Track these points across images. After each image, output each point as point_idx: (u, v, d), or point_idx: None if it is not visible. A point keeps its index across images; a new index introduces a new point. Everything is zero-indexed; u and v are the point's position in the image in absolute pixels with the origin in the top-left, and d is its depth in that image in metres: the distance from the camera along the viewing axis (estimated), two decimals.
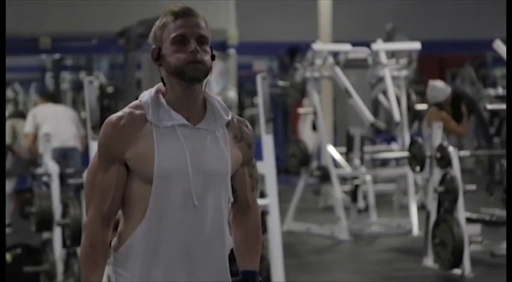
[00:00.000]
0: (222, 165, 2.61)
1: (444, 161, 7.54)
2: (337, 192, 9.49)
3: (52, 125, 9.01)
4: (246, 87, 15.41)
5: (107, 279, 2.79)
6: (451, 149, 7.60)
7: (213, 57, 2.61)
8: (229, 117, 2.66)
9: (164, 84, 2.61)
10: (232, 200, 2.69)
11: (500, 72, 14.24)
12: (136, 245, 2.59)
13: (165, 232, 2.57)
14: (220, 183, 2.62)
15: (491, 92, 12.78)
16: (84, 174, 4.73)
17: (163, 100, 2.59)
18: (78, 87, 14.36)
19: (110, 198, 2.59)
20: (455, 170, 7.42)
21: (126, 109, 2.64)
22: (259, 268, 2.86)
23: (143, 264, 2.59)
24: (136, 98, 2.68)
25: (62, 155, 8.95)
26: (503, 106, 9.82)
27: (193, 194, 2.57)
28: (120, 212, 2.69)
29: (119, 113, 2.63)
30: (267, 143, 6.42)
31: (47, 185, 6.95)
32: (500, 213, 8.55)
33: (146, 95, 2.62)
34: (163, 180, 2.55)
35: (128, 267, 2.61)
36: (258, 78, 6.74)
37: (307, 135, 10.70)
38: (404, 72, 10.13)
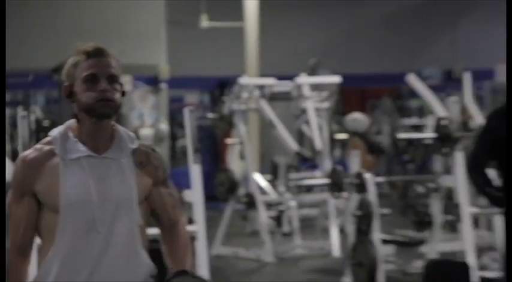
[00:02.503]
0: (127, 191, 2.61)
1: (361, 186, 7.63)
2: (263, 217, 9.53)
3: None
4: (178, 119, 15.38)
5: None
6: (367, 175, 7.76)
7: (123, 93, 2.63)
8: (135, 146, 2.67)
9: (78, 119, 2.62)
10: (141, 223, 2.65)
11: (415, 103, 14.52)
12: (46, 272, 2.58)
13: (72, 259, 2.56)
14: (128, 208, 2.62)
15: (407, 121, 13.04)
16: None
17: (71, 134, 2.61)
18: (15, 122, 14.24)
19: (22, 229, 2.60)
20: (371, 195, 7.52)
21: (37, 145, 2.65)
22: None
23: None
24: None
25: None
26: (415, 135, 10.13)
27: (98, 221, 2.56)
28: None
29: (30, 150, 2.65)
30: (195, 172, 6.45)
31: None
32: (413, 234, 8.71)
33: (56, 131, 2.64)
34: (69, 210, 2.55)
35: None
36: (186, 112, 6.81)
37: (235, 164, 10.72)
38: (326, 104, 10.22)
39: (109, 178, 2.59)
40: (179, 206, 2.83)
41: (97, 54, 2.62)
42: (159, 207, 2.73)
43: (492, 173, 5.05)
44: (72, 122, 2.66)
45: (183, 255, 2.76)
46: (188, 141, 6.70)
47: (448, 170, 7.55)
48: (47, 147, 2.60)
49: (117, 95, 2.61)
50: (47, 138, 2.64)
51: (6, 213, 2.70)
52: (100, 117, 2.59)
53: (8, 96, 13.75)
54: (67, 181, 2.55)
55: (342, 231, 9.04)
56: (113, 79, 2.60)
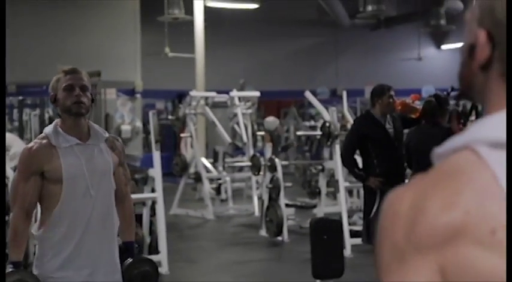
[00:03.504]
0: (107, 166, 2.62)
1: (272, 167, 7.63)
2: (207, 188, 9.47)
3: (20, 146, 8.17)
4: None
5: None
6: (276, 160, 7.76)
7: (92, 100, 2.59)
8: (107, 135, 2.67)
9: (62, 119, 2.59)
10: (115, 187, 2.67)
11: (313, 111, 14.54)
12: (54, 224, 2.55)
13: (73, 213, 2.55)
14: (107, 178, 2.62)
15: (307, 123, 13.08)
16: None
17: (60, 129, 2.57)
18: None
19: (29, 199, 2.56)
20: (279, 173, 7.52)
21: (36, 140, 2.62)
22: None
23: (61, 234, 2.54)
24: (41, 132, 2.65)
25: None
26: (310, 133, 10.18)
27: (90, 187, 2.56)
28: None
29: (32, 143, 2.62)
30: (156, 156, 6.35)
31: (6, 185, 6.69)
32: (308, 200, 8.74)
33: (48, 129, 2.61)
34: (70, 180, 2.54)
35: (50, 238, 2.55)
36: (150, 114, 6.71)
37: (187, 151, 10.66)
38: (250, 111, 10.21)
39: (94, 158, 2.59)
40: (129, 183, 2.82)
41: (72, 72, 2.58)
42: (117, 182, 2.69)
43: (358, 159, 5.08)
44: (57, 121, 2.61)
45: (128, 226, 2.79)
46: (152, 135, 6.59)
47: (331, 157, 7.58)
48: (44, 141, 2.57)
49: (88, 100, 2.57)
50: (42, 135, 2.60)
51: (12, 189, 2.67)
52: (76, 115, 2.56)
53: (28, 100, 13.38)
54: (66, 162, 2.54)
55: (260, 198, 9.01)
56: (84, 88, 2.56)
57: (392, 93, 4.89)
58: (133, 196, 5.33)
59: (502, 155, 0.73)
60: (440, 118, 4.70)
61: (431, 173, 0.77)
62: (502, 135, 0.74)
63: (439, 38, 18.64)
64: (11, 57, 13.36)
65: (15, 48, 13.50)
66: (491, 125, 0.76)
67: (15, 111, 13.85)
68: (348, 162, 5.02)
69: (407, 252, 0.73)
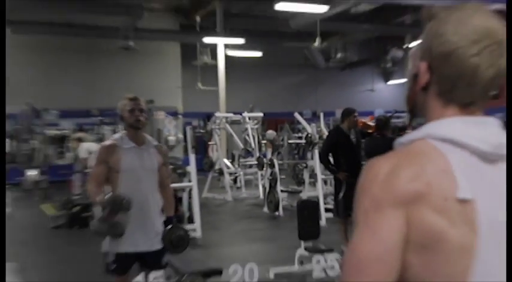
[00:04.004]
0: (154, 165, 2.63)
1: (272, 165, 7.65)
2: (227, 180, 9.47)
3: None
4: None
5: None
6: (275, 160, 7.78)
7: (146, 119, 2.63)
8: (156, 143, 2.70)
9: (126, 130, 2.64)
10: (159, 180, 2.67)
11: (300, 126, 14.45)
12: None
13: (128, 195, 2.52)
14: (154, 173, 2.63)
15: (296, 135, 13.03)
16: None
17: (124, 136, 2.63)
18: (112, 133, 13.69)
19: (100, 176, 2.57)
20: (276, 169, 7.53)
21: (108, 141, 2.67)
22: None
23: None
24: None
25: None
26: (298, 141, 10.16)
27: (141, 177, 2.58)
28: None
29: (106, 142, 2.68)
30: (192, 158, 6.35)
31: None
32: (296, 188, 8.70)
33: (116, 135, 2.67)
34: (126, 172, 2.57)
35: None
36: (187, 129, 6.78)
37: (213, 154, 10.64)
38: (256, 126, 10.15)
39: (144, 158, 2.60)
40: (170, 177, 2.86)
41: (134, 99, 2.63)
42: (161, 176, 2.70)
43: (330, 159, 5.12)
44: (123, 132, 2.66)
45: (169, 206, 2.77)
46: (188, 143, 6.64)
47: (312, 158, 7.61)
48: (113, 142, 2.61)
49: (144, 119, 2.62)
50: (111, 138, 2.65)
51: (91, 170, 2.62)
52: (136, 129, 2.61)
53: (106, 120, 13.36)
54: (124, 158, 2.56)
55: (263, 186, 9.02)
56: (141, 111, 2.62)
57: (356, 114, 4.95)
58: (176, 185, 5.48)
59: (449, 147, 0.75)
60: (386, 131, 4.84)
61: (401, 151, 0.78)
62: (443, 134, 0.76)
63: (386, 76, 18.75)
64: (95, 90, 13.55)
65: (98, 84, 13.64)
66: (435, 128, 0.78)
67: (97, 127, 13.94)
68: (324, 161, 5.05)
69: (383, 203, 0.73)
